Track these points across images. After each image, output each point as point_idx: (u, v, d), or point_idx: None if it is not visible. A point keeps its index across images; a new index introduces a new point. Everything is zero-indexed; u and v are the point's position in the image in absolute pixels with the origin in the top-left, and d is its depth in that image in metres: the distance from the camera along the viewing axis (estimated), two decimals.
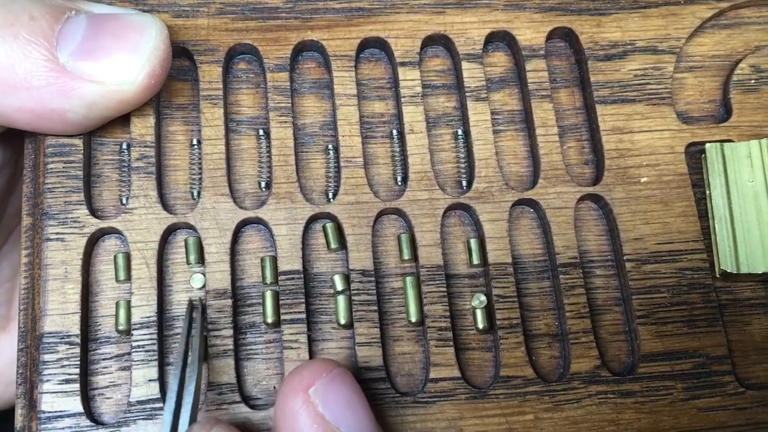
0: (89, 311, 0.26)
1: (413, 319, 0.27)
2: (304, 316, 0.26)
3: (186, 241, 0.27)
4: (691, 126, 0.29)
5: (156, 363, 0.25)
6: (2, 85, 0.24)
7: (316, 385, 0.22)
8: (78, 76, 0.25)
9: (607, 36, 0.30)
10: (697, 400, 0.26)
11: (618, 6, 0.30)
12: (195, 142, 0.28)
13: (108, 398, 0.26)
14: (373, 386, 0.26)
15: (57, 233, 0.26)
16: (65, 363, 0.25)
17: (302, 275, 0.26)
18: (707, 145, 0.28)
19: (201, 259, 0.27)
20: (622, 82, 0.29)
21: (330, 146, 0.29)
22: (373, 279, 0.27)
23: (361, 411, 0.23)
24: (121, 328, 0.26)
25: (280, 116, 0.28)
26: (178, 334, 0.26)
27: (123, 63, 0.25)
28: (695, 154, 0.29)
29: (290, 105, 0.28)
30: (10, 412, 0.37)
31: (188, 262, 0.27)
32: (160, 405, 0.25)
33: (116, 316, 0.26)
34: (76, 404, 0.25)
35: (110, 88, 0.25)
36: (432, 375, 0.26)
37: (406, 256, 0.27)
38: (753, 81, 0.30)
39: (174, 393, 0.23)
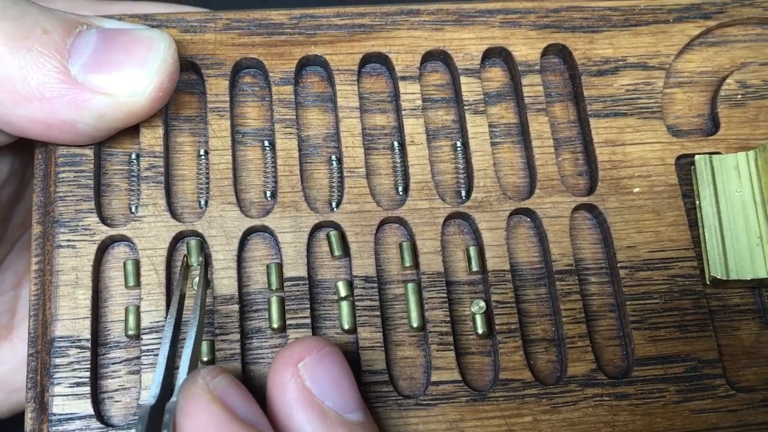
0: (99, 317, 0.27)
1: (415, 325, 0.27)
2: (309, 321, 0.27)
3: (188, 243, 0.27)
4: (681, 139, 0.30)
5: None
6: (15, 95, 0.25)
7: (306, 360, 0.23)
8: (89, 88, 0.25)
9: (600, 52, 0.31)
10: (689, 403, 0.27)
11: (610, 24, 0.31)
12: (202, 152, 0.29)
13: (117, 401, 0.26)
14: (376, 389, 0.26)
15: (68, 240, 0.27)
16: (76, 366, 0.26)
17: (307, 281, 0.27)
18: (697, 157, 0.29)
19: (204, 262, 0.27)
20: (614, 97, 0.30)
21: (333, 157, 0.29)
22: (375, 285, 0.27)
23: (347, 388, 0.24)
24: (130, 332, 0.27)
25: (285, 128, 0.29)
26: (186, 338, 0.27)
27: (132, 76, 0.26)
28: (685, 166, 0.30)
29: (295, 117, 0.29)
30: (8, 421, 0.37)
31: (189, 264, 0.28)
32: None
33: (126, 321, 0.27)
34: (86, 406, 0.25)
35: (120, 99, 0.26)
36: (433, 378, 0.27)
37: (407, 264, 0.28)
38: (740, 96, 0.31)
39: (168, 340, 0.24)
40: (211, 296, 0.27)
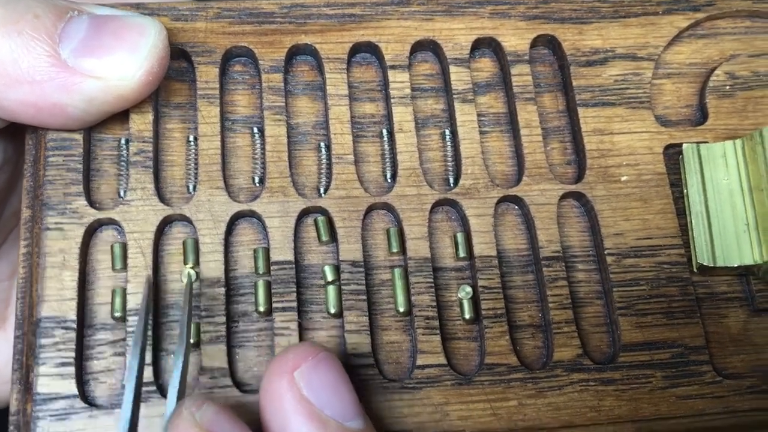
0: (86, 299, 0.27)
1: (401, 309, 0.27)
2: (295, 304, 0.27)
3: (184, 242, 0.28)
4: (669, 128, 0.30)
5: (150, 348, 0.26)
6: (6, 78, 0.25)
7: (302, 368, 0.23)
8: (79, 72, 0.26)
9: (589, 43, 0.31)
10: (675, 389, 0.27)
11: (599, 15, 0.31)
12: (192, 138, 0.29)
13: (102, 382, 0.26)
14: (362, 372, 0.26)
15: (56, 223, 0.27)
16: (61, 347, 0.26)
17: (294, 266, 0.27)
18: (684, 145, 0.29)
19: (198, 261, 0.27)
20: (602, 87, 0.31)
21: (322, 144, 0.30)
22: (362, 270, 0.27)
23: (345, 395, 0.23)
24: (116, 314, 0.27)
25: (275, 115, 0.29)
26: (172, 321, 0.27)
27: (123, 60, 0.26)
28: (673, 156, 0.30)
29: (284, 104, 0.29)
30: (3, 411, 0.37)
31: (185, 262, 0.28)
32: (154, 388, 0.25)
33: (112, 303, 0.27)
34: (71, 387, 0.25)
35: (110, 83, 0.26)
36: (419, 362, 0.27)
37: (394, 249, 0.28)
38: (728, 87, 0.31)
39: (134, 372, 0.23)
40: (198, 285, 0.27)
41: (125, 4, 0.30)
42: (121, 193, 0.28)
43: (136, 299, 0.27)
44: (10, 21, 0.26)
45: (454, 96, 0.30)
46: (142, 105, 0.29)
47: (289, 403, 0.22)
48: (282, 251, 0.27)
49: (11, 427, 0.26)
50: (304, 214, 0.28)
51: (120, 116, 0.29)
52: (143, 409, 0.25)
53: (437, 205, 0.29)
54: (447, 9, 0.31)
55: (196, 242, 0.27)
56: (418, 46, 0.31)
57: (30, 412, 0.25)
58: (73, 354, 0.26)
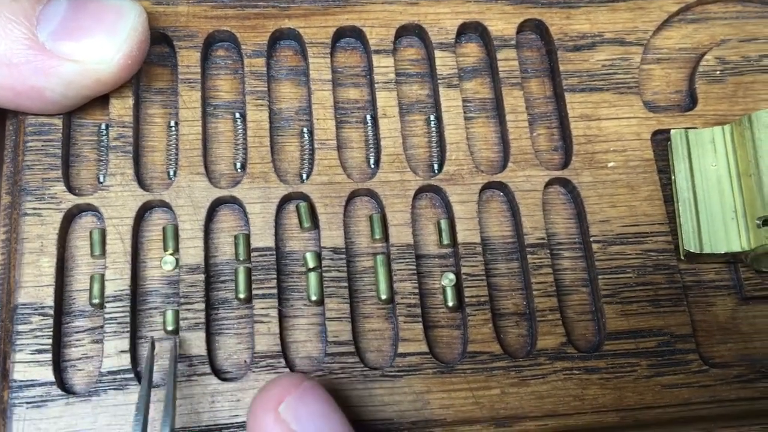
0: (64, 286, 0.27)
1: (383, 297, 0.27)
2: (275, 291, 0.26)
3: (164, 228, 0.27)
4: (658, 114, 0.30)
5: (128, 335, 0.26)
6: None
7: (287, 401, 0.22)
8: (57, 55, 0.25)
9: (577, 28, 0.31)
10: (661, 377, 0.26)
11: None
12: (172, 124, 0.29)
13: (80, 370, 0.26)
14: (342, 360, 0.26)
15: (34, 208, 0.27)
16: (38, 333, 0.25)
17: (274, 252, 0.27)
18: (672, 131, 0.29)
19: (178, 248, 0.27)
20: (590, 72, 0.30)
21: (305, 130, 0.29)
22: (344, 257, 0.27)
23: (337, 422, 0.22)
24: (95, 301, 0.26)
25: (257, 100, 0.29)
26: (151, 308, 0.27)
27: (101, 43, 0.26)
28: (662, 142, 0.30)
29: (266, 89, 0.29)
30: None
31: (165, 249, 0.27)
32: (131, 376, 0.25)
33: (90, 289, 0.26)
34: (47, 374, 0.25)
35: (88, 66, 0.26)
36: (400, 350, 0.26)
37: (377, 236, 0.28)
38: (718, 72, 0.31)
39: None
40: (177, 272, 0.27)
41: None
42: (101, 179, 0.28)
43: (114, 285, 0.26)
44: None
45: (440, 81, 0.30)
46: (123, 90, 0.28)
47: None
48: (263, 238, 0.27)
49: None
50: (285, 200, 0.28)
51: (100, 101, 0.28)
52: (120, 396, 0.25)
53: (421, 191, 0.28)
54: None
55: (176, 228, 0.27)
56: (403, 31, 0.30)
57: (6, 399, 0.25)
58: (50, 341, 0.25)
